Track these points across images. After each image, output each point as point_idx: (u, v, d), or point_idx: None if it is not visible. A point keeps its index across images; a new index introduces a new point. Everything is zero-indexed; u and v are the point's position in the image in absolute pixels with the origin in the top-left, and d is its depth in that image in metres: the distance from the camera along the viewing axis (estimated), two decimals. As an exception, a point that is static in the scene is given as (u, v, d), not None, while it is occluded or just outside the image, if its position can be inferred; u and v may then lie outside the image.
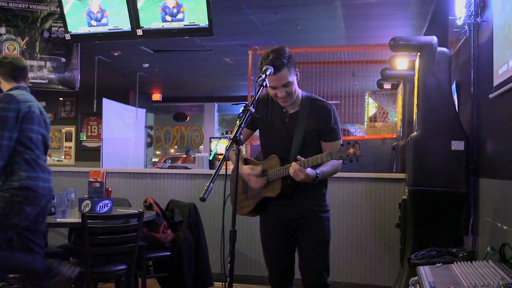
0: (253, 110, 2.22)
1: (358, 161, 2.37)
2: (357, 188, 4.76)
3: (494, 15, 3.09)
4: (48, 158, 12.96)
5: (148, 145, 12.82)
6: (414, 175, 3.59)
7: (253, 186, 2.66)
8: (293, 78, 2.56)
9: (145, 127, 12.10)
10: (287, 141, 2.65)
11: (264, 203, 2.73)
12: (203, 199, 2.01)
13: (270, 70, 2.43)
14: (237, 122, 2.22)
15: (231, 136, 2.15)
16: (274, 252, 2.78)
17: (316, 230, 2.68)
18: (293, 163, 2.46)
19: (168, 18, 4.72)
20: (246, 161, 2.83)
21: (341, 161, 2.53)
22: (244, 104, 2.26)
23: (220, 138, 7.60)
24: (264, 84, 2.36)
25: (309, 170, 2.47)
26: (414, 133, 3.68)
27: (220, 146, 6.96)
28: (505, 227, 2.76)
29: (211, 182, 2.04)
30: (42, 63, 5.51)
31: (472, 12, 3.52)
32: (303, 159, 2.47)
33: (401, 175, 4.56)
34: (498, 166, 3.04)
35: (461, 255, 2.94)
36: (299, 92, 2.68)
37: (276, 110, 2.68)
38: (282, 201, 2.68)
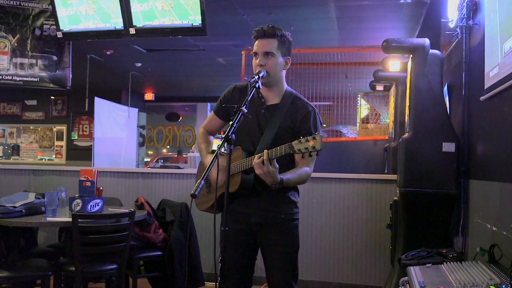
0: (246, 111, 2.17)
1: (317, 156, 2.14)
2: (348, 188, 4.77)
3: (485, 18, 3.11)
4: (39, 156, 12.95)
5: (140, 144, 12.75)
6: (405, 177, 3.61)
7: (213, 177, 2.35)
8: (279, 55, 2.43)
9: (137, 126, 12.04)
10: (256, 136, 2.44)
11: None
12: (194, 196, 1.98)
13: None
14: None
15: (223, 135, 2.14)
16: (231, 254, 2.36)
17: (283, 240, 2.46)
18: (257, 155, 2.24)
19: (161, 16, 4.70)
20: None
21: (310, 170, 2.41)
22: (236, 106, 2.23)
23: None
24: (257, 86, 2.30)
25: (273, 169, 2.20)
26: (406, 135, 3.69)
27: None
28: (494, 228, 2.78)
29: (202, 179, 2.02)
30: (34, 61, 5.47)
31: (464, 15, 3.53)
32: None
33: (393, 176, 4.58)
34: (488, 168, 3.07)
35: (451, 255, 2.96)
36: (284, 85, 2.53)
37: (253, 99, 2.34)
38: (245, 201, 2.44)
